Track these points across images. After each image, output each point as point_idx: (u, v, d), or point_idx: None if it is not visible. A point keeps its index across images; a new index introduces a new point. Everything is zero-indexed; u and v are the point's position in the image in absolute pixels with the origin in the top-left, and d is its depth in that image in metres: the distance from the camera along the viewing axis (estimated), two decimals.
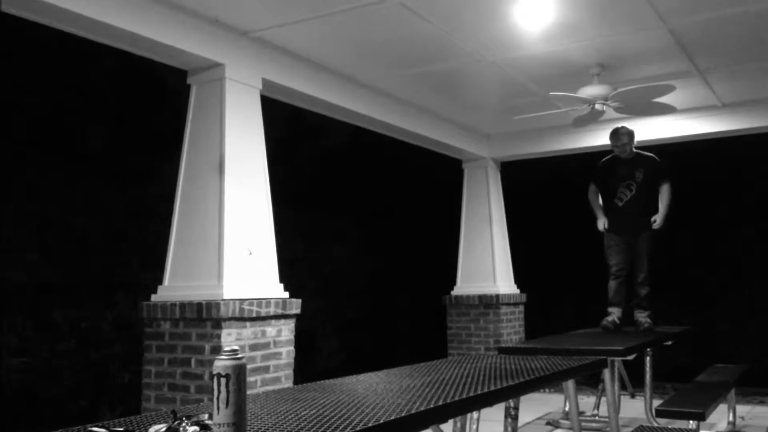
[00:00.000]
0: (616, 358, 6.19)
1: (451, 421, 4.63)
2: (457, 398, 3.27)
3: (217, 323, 5.66)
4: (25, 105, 7.86)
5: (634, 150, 8.21)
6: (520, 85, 8.17)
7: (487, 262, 10.48)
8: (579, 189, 8.75)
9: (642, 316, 8.07)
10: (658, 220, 8.00)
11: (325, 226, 12.04)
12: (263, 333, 6.02)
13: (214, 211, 6.02)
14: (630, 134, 8.10)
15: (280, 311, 6.15)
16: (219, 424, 2.27)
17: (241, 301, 5.77)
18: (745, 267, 11.47)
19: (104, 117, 8.68)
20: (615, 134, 8.10)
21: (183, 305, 5.79)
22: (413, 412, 2.94)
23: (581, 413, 7.42)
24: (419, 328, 12.67)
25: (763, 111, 8.97)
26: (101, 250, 8.52)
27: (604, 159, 8.45)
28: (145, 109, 9.02)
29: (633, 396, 9.11)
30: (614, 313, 8.06)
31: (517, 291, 10.75)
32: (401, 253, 13.45)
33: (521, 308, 10.77)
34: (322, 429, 2.59)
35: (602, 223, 8.27)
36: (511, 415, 5.72)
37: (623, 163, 8.17)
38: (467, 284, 10.50)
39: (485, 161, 10.77)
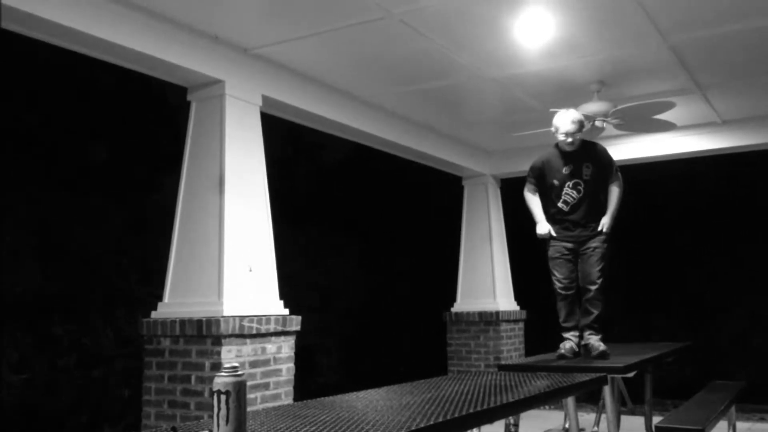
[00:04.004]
0: (616, 375, 6.17)
1: None
2: (457, 415, 3.27)
3: (217, 340, 5.65)
4: (26, 120, 7.87)
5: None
6: (520, 102, 8.19)
7: (487, 279, 10.47)
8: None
9: (594, 339, 6.55)
10: (606, 222, 6.60)
11: (325, 242, 12.04)
12: (263, 350, 6.02)
13: (214, 228, 6.02)
14: (581, 122, 6.60)
15: (280, 328, 6.15)
16: None
17: (241, 317, 5.77)
18: (746, 282, 11.46)
19: (105, 133, 8.69)
20: (563, 120, 6.54)
21: (183, 322, 5.79)
22: (413, 429, 2.94)
23: (581, 430, 7.40)
24: (419, 344, 12.65)
25: (763, 127, 8.98)
26: (102, 266, 8.53)
27: (540, 155, 6.89)
28: (145, 125, 9.04)
29: (633, 413, 9.08)
30: (571, 339, 6.70)
31: (517, 308, 10.74)
32: (401, 270, 13.44)
33: (521, 325, 10.75)
34: None
35: (546, 228, 6.71)
36: None
37: (567, 157, 6.64)
38: (467, 301, 10.49)
39: (485, 178, 10.77)
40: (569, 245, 6.65)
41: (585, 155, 6.63)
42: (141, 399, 6.08)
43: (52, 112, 8.18)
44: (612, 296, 6.76)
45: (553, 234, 6.70)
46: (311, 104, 7.26)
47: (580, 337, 6.70)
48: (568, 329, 6.72)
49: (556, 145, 6.71)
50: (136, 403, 6.32)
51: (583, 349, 6.65)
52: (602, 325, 6.63)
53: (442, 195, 11.93)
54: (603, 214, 6.66)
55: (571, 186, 6.59)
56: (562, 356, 6.54)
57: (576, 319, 6.72)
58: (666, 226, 11.97)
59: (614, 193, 6.71)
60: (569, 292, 6.69)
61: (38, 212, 8.00)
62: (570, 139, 6.50)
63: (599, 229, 6.61)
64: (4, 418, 7.38)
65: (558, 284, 6.70)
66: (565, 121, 6.50)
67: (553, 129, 6.63)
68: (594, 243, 6.60)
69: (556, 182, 6.65)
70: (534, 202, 6.86)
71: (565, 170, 6.60)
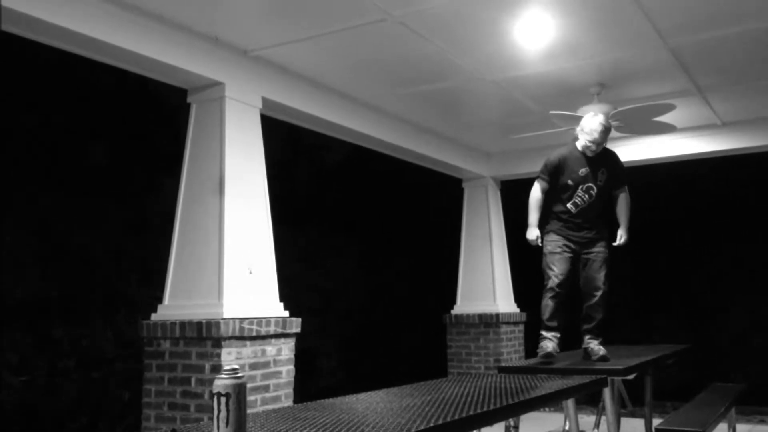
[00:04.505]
0: (616, 377, 6.16)
1: None
2: (457, 417, 3.27)
3: (217, 342, 5.65)
4: (26, 123, 7.87)
5: None
6: (520, 104, 8.18)
7: (487, 281, 10.46)
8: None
9: (594, 344, 6.45)
10: (624, 236, 6.54)
11: (325, 244, 12.05)
12: (263, 352, 6.01)
13: (214, 230, 6.02)
14: (610, 130, 6.47)
15: (280, 330, 6.15)
16: None
17: (241, 320, 5.77)
18: (746, 283, 11.47)
19: (105, 134, 8.69)
20: (594, 126, 6.33)
21: (183, 324, 5.78)
22: (413, 431, 2.93)
23: None
24: (419, 347, 12.65)
25: (763, 129, 8.98)
26: (102, 268, 8.53)
27: (558, 151, 6.62)
28: (145, 127, 9.04)
29: (633, 415, 9.08)
30: (553, 340, 6.42)
31: (517, 310, 10.73)
32: (401, 272, 13.45)
33: (521, 327, 10.74)
34: None
35: (536, 234, 6.50)
36: None
37: (586, 159, 6.48)
38: (467, 303, 10.48)
39: (485, 180, 10.77)
40: (571, 245, 6.48)
41: (602, 160, 6.51)
42: (141, 401, 6.07)
43: (53, 113, 8.18)
44: (612, 298, 6.73)
45: (539, 244, 6.52)
46: (311, 106, 7.26)
47: (559, 338, 6.49)
48: (551, 329, 6.45)
49: (575, 144, 6.56)
50: (135, 405, 6.32)
51: (584, 354, 6.55)
52: (602, 330, 6.54)
53: (442, 197, 11.93)
54: (604, 219, 6.58)
55: (584, 189, 6.44)
56: (548, 355, 6.32)
57: (559, 321, 6.45)
58: (666, 227, 11.97)
59: (626, 202, 6.67)
60: (561, 290, 6.41)
61: (38, 213, 8.00)
62: (596, 147, 6.37)
63: (618, 242, 6.52)
64: (4, 419, 7.38)
65: (553, 280, 6.42)
66: (596, 129, 6.31)
67: (578, 128, 6.48)
68: (597, 248, 6.50)
69: (570, 182, 6.46)
70: (537, 204, 6.58)
71: (581, 172, 6.44)
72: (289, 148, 10.72)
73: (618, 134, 8.19)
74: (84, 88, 8.35)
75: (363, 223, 12.77)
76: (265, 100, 6.64)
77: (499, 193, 11.01)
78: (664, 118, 7.51)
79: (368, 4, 5.53)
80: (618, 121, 7.40)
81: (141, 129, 9.01)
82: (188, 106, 6.47)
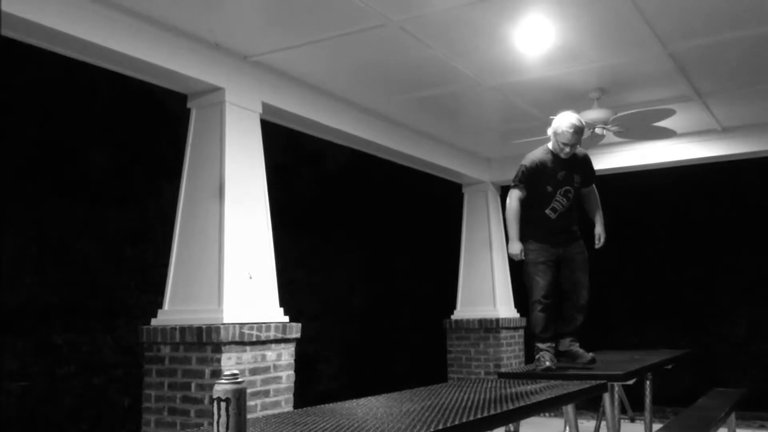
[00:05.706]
0: (616, 383, 6.15)
1: None
2: (457, 422, 3.27)
3: (217, 347, 5.64)
4: (26, 129, 7.87)
5: None
6: (520, 110, 8.18)
7: (487, 286, 10.45)
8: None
9: (576, 347, 6.33)
10: (602, 235, 6.45)
11: (325, 249, 12.04)
12: (263, 357, 6.01)
13: (214, 235, 6.02)
14: (584, 130, 6.25)
15: (280, 335, 6.14)
16: None
17: (241, 325, 5.76)
18: (746, 289, 11.46)
19: (104, 140, 8.69)
20: (566, 127, 6.08)
21: (183, 329, 5.78)
22: None
23: None
24: (419, 352, 12.65)
25: (764, 135, 8.98)
26: (102, 274, 8.52)
27: (534, 156, 6.36)
28: (145, 133, 9.04)
29: (633, 420, 9.07)
30: (549, 351, 6.20)
31: (518, 315, 10.71)
32: (401, 277, 13.44)
33: (521, 332, 10.72)
34: None
35: (519, 248, 6.22)
36: None
37: (561, 162, 6.25)
38: (467, 308, 10.47)
39: (485, 185, 10.77)
40: (553, 249, 6.29)
41: (575, 161, 6.33)
42: (141, 406, 6.07)
43: (53, 119, 8.18)
44: (612, 303, 6.71)
45: (522, 257, 6.25)
46: (311, 111, 7.26)
47: (557, 346, 6.37)
48: (545, 340, 6.23)
49: (548, 146, 6.34)
50: (136, 411, 6.31)
51: (568, 357, 6.41)
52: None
53: (442, 202, 11.93)
54: (577, 219, 6.48)
55: (562, 193, 6.22)
56: (548, 369, 6.06)
57: (552, 330, 6.27)
58: (666, 232, 11.96)
59: (597, 199, 6.59)
60: (549, 300, 6.20)
61: (38, 220, 8.00)
62: (570, 149, 6.14)
63: (597, 243, 6.41)
64: (3, 426, 7.37)
65: (540, 292, 6.19)
66: (568, 130, 6.06)
67: (551, 131, 6.24)
68: (577, 249, 6.38)
69: (549, 188, 6.21)
70: (516, 215, 6.23)
71: (559, 176, 6.21)
72: (289, 153, 10.72)
73: (618, 139, 8.19)
74: (84, 93, 8.35)
75: (363, 228, 12.77)
76: (265, 105, 6.64)
77: (499, 198, 11.00)
78: (664, 124, 7.52)
79: (368, 10, 5.53)
80: (618, 127, 7.40)
81: (141, 134, 9.01)
82: (188, 111, 6.47)
